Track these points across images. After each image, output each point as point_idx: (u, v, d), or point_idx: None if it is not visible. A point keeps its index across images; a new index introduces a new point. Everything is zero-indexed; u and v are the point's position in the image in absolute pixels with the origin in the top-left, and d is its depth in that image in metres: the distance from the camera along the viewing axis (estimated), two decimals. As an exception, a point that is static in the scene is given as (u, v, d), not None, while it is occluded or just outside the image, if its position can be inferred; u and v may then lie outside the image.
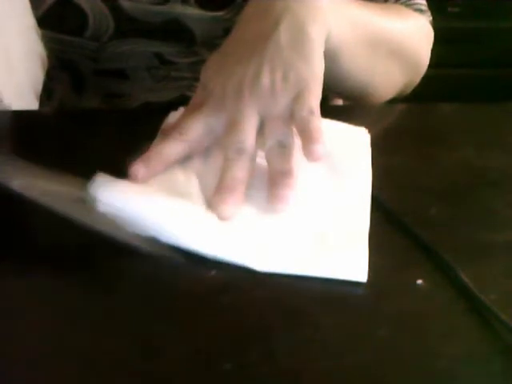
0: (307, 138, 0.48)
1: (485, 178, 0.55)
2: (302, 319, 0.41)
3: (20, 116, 0.63)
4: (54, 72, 0.81)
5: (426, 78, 0.71)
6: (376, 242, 0.46)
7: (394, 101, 0.68)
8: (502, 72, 1.80)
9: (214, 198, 0.47)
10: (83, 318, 0.41)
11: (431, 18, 0.71)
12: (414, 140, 0.60)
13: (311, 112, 0.49)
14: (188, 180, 0.49)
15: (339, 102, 0.82)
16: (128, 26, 0.70)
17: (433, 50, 0.71)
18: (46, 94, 0.82)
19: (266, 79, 0.50)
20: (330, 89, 0.63)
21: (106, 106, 0.76)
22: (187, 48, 0.72)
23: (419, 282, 0.44)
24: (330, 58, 0.55)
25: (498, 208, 0.51)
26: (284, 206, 0.48)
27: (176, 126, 0.51)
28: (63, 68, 0.78)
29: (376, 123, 0.62)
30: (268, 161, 0.50)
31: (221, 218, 0.46)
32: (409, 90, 0.71)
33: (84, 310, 0.41)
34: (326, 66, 0.53)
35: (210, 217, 0.46)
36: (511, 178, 0.55)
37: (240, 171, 0.48)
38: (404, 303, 0.43)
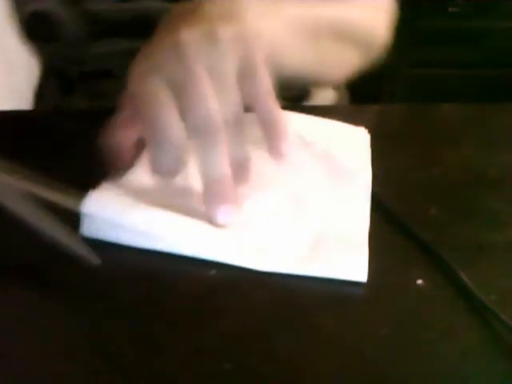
0: (272, 135, 0.44)
1: (485, 177, 0.55)
2: (302, 319, 0.41)
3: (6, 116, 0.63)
4: (43, 77, 0.82)
5: (427, 78, 0.71)
6: (376, 242, 0.46)
7: (394, 101, 0.68)
8: (502, 72, 1.80)
9: (205, 207, 0.45)
10: (83, 318, 0.41)
11: None
12: (413, 140, 0.60)
13: (267, 96, 0.44)
14: (186, 181, 0.49)
15: (328, 96, 0.82)
16: (100, 27, 0.70)
17: (433, 50, 0.71)
18: (37, 98, 0.83)
19: (205, 27, 0.44)
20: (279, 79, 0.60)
21: (94, 107, 0.76)
22: None
23: (419, 282, 0.44)
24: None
25: (499, 208, 0.51)
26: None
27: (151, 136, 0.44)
28: (51, 73, 0.79)
29: (376, 123, 0.62)
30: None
31: (219, 226, 0.45)
32: (369, 64, 0.70)
33: (84, 310, 0.41)
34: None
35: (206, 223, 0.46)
36: (511, 177, 0.55)
37: (219, 163, 0.43)
38: (404, 303, 0.43)
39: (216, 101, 0.43)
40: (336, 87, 0.84)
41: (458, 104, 0.66)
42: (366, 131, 0.58)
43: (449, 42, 1.74)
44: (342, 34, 0.62)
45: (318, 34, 0.59)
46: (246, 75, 0.44)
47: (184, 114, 0.43)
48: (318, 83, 0.70)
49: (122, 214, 0.45)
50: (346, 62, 0.65)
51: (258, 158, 0.49)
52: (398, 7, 0.71)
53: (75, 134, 0.58)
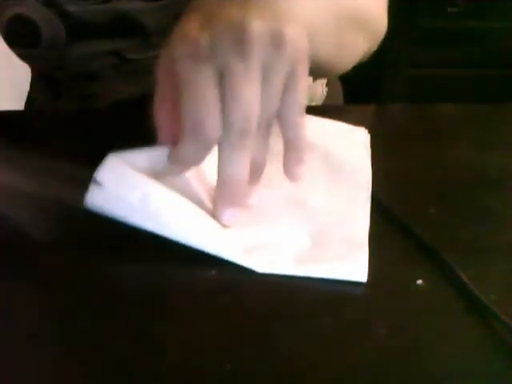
0: (293, 156, 0.45)
1: (485, 177, 0.55)
2: (302, 319, 0.41)
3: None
4: (34, 81, 0.82)
5: (427, 78, 0.72)
6: (376, 242, 0.46)
7: (394, 101, 0.68)
8: (502, 72, 1.80)
9: (215, 203, 0.46)
10: (83, 318, 0.41)
11: None
12: (413, 140, 0.60)
13: (300, 113, 0.44)
14: (196, 175, 0.49)
15: (318, 93, 0.82)
16: (79, 29, 0.70)
17: (433, 50, 0.72)
18: (29, 102, 0.83)
19: (271, 31, 0.41)
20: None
21: (80, 108, 0.76)
22: (143, 42, 0.71)
23: (419, 282, 0.44)
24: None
25: (498, 208, 0.51)
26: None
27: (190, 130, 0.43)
28: (40, 77, 0.79)
29: (376, 123, 0.62)
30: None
31: (224, 224, 0.46)
32: (368, 55, 0.70)
33: (84, 310, 0.41)
34: None
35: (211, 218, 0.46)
36: (511, 178, 0.55)
37: (242, 166, 0.43)
38: (404, 303, 0.43)
39: (259, 106, 0.42)
40: (329, 82, 0.84)
41: (458, 104, 0.66)
42: (366, 131, 0.58)
43: (449, 41, 1.74)
44: (354, 21, 0.61)
45: (340, 19, 0.57)
46: (287, 87, 0.43)
47: (226, 110, 0.42)
48: (334, 70, 0.69)
49: (134, 189, 0.44)
50: (357, 50, 0.64)
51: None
52: (398, 7, 0.71)
53: (65, 135, 0.59)
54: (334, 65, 0.61)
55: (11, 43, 0.73)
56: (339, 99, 0.89)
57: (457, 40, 1.72)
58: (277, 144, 0.54)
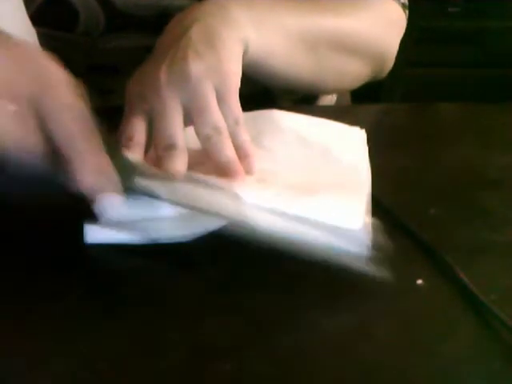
0: (239, 154, 0.50)
1: (485, 177, 0.55)
2: (302, 319, 0.41)
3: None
4: None
5: (427, 78, 0.72)
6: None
7: (394, 101, 0.69)
8: (502, 72, 1.80)
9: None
10: (83, 318, 0.41)
11: (406, 2, 0.72)
12: (413, 140, 0.60)
13: (236, 122, 0.50)
14: None
15: (328, 98, 0.82)
16: (119, 20, 0.70)
17: (433, 50, 0.72)
18: None
19: (180, 66, 0.51)
20: (280, 88, 0.66)
21: (100, 104, 0.76)
22: None
23: (419, 282, 0.44)
24: (261, 64, 0.57)
25: (498, 208, 0.51)
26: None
27: (122, 133, 0.52)
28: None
29: (376, 123, 0.63)
30: (208, 151, 0.50)
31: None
32: (383, 74, 0.71)
33: (84, 310, 0.41)
34: (260, 72, 0.56)
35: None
36: (511, 178, 0.55)
37: (174, 167, 0.48)
38: (404, 303, 0.43)
39: (181, 124, 0.50)
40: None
41: (457, 104, 0.67)
42: (363, 130, 0.58)
43: (449, 41, 1.74)
44: (343, 45, 0.63)
45: (316, 44, 0.61)
46: (218, 102, 0.51)
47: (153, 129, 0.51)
48: (321, 91, 0.72)
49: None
50: (349, 73, 0.66)
51: (256, 155, 0.51)
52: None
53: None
54: (320, 86, 0.68)
55: (41, 23, 0.73)
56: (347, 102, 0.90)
57: (457, 40, 1.73)
58: (270, 142, 0.54)
